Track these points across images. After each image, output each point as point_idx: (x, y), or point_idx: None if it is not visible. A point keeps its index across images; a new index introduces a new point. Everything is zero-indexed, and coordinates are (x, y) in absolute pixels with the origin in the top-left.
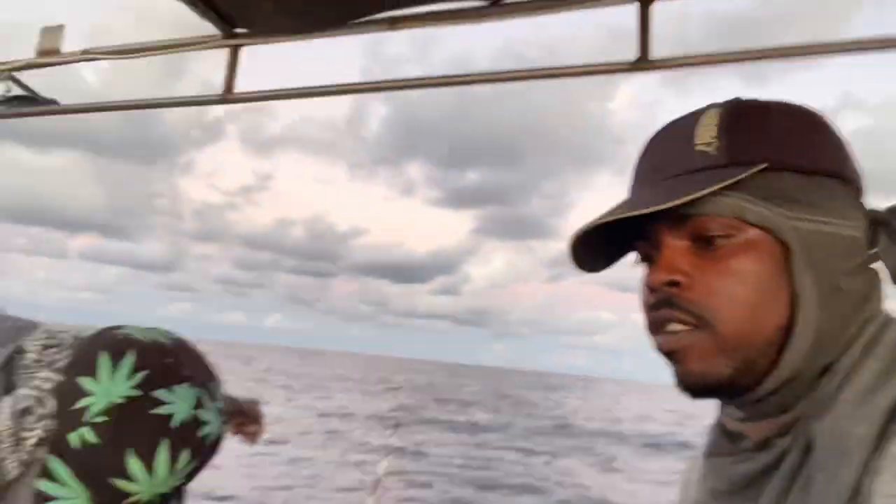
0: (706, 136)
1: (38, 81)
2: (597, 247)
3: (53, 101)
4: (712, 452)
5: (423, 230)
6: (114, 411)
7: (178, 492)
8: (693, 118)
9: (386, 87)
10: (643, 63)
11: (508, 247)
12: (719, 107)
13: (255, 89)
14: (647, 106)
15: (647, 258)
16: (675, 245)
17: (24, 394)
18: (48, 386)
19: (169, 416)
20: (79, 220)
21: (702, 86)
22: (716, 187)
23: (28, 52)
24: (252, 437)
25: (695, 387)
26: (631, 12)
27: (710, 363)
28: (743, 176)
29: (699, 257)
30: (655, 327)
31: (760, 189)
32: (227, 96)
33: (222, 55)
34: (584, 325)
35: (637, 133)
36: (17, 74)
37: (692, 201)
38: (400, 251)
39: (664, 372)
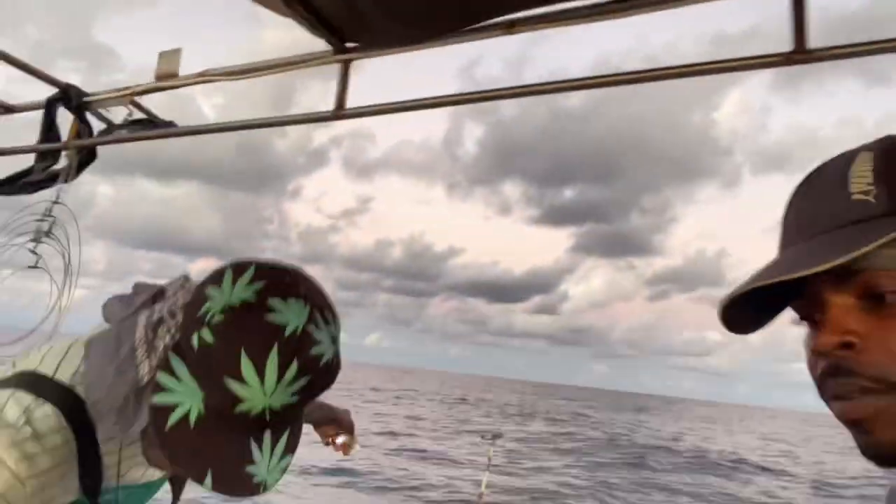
0: (862, 183)
1: (159, 113)
2: (746, 306)
3: (172, 124)
4: None
5: (520, 249)
6: (230, 312)
7: (291, 414)
8: (843, 163)
9: (494, 97)
10: (800, 54)
11: (608, 264)
12: (871, 149)
13: (366, 104)
14: (755, 113)
15: (807, 318)
16: (842, 303)
17: (158, 307)
18: (181, 302)
19: (281, 326)
20: (198, 245)
21: (819, 89)
22: (885, 239)
23: (148, 77)
24: (345, 448)
25: (886, 457)
26: (775, 6)
27: None
28: None
29: (871, 315)
30: (831, 396)
31: None
32: (339, 112)
33: (333, 74)
34: (691, 346)
35: (745, 142)
36: (137, 99)
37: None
38: (497, 270)
39: (779, 396)
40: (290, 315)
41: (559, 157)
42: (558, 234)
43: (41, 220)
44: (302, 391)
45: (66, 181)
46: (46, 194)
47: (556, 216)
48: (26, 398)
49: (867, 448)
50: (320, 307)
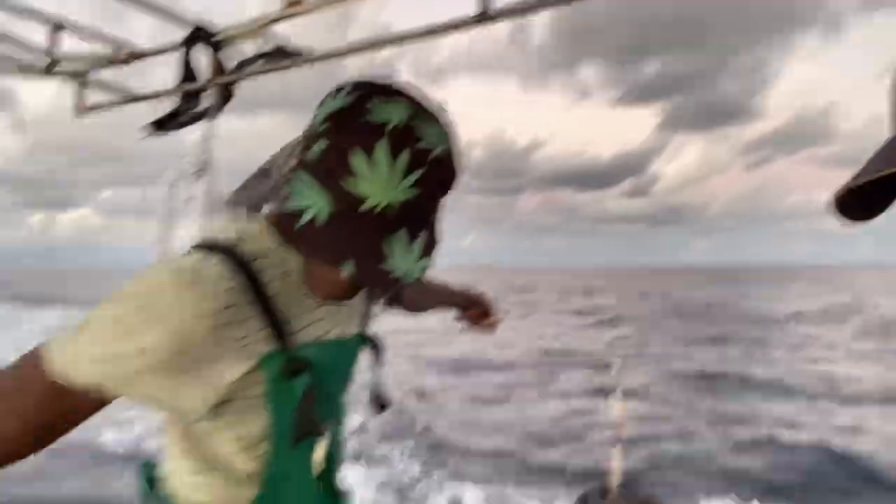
0: None
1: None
2: (862, 192)
3: (300, 52)
4: None
5: (605, 133)
6: (333, 117)
7: (420, 212)
8: None
9: None
10: None
11: (700, 138)
12: None
13: (512, 4)
14: None
15: None
16: None
17: (283, 148)
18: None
19: (385, 122)
20: None
21: None
22: None
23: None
24: (491, 327)
25: None
26: None
27: None
28: None
29: None
30: None
31: None
32: (484, 16)
33: None
34: (798, 210)
35: None
36: (268, 29)
37: None
38: (583, 158)
39: None
40: (392, 112)
41: (636, 30)
42: (643, 113)
43: (201, 155)
44: (421, 185)
45: (211, 119)
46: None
47: (638, 94)
48: (195, 255)
49: None
50: (424, 108)
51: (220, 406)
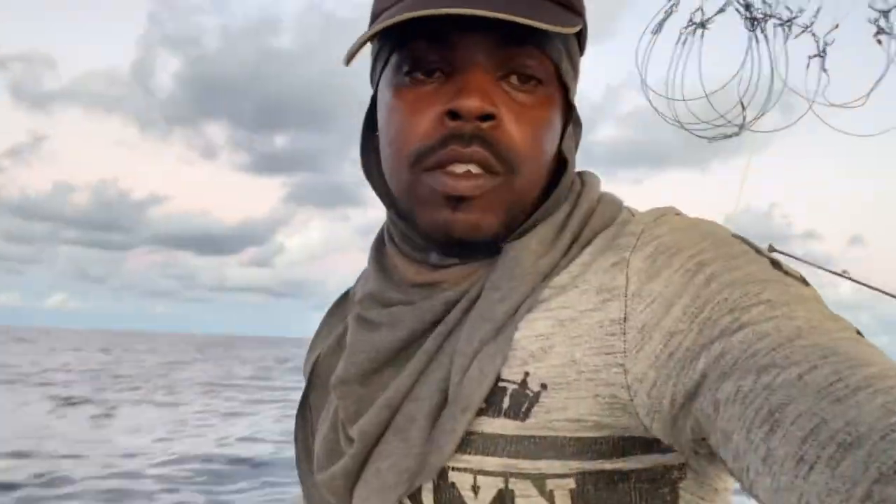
0: None
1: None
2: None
3: None
4: None
5: (230, 198)
6: None
7: None
8: None
9: None
10: None
11: (324, 215)
12: None
13: None
14: None
15: (426, 66)
16: (489, 70)
17: None
18: None
19: None
20: None
21: None
22: (579, 27)
23: None
24: None
25: (466, 237)
26: None
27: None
28: (580, 28)
29: (506, 95)
30: (446, 163)
31: (571, 46)
32: None
33: None
34: None
35: None
36: None
37: (537, 29)
38: (205, 220)
39: None
40: None
41: (268, 101)
42: (271, 183)
43: None
44: None
45: None
46: None
47: (267, 164)
48: None
49: (452, 225)
50: None
51: None
